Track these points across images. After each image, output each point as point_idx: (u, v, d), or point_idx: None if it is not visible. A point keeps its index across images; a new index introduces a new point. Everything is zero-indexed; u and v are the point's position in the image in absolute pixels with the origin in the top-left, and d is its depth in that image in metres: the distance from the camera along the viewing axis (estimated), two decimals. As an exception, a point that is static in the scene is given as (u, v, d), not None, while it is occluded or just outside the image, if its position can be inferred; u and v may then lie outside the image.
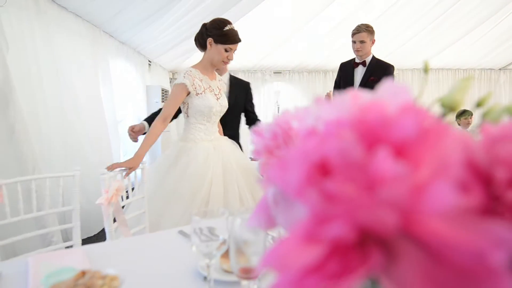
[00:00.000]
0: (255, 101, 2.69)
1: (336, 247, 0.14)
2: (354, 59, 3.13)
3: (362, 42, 2.96)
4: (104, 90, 4.06)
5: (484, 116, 0.30)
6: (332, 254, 0.14)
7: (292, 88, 7.13)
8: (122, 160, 2.17)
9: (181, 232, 1.02)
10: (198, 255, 0.65)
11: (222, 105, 1.98)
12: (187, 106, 1.92)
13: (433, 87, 7.04)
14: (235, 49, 1.96)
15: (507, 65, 6.90)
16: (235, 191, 1.84)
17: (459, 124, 4.03)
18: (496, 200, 0.16)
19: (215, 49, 1.90)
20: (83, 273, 0.50)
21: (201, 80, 1.90)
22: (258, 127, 0.31)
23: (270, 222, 0.30)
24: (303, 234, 0.14)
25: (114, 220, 1.60)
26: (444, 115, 0.30)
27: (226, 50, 1.91)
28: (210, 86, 1.94)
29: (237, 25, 5.32)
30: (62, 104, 3.24)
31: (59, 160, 3.12)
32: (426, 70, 0.34)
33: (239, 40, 1.97)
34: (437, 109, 0.28)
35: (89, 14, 3.80)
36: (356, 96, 0.20)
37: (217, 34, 1.90)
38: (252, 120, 2.66)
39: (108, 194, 1.45)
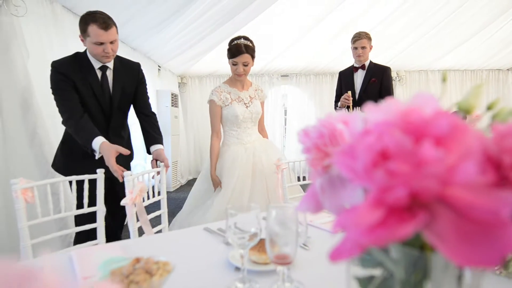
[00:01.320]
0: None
1: (393, 210, 0.20)
2: (352, 65, 3.35)
3: (363, 48, 3.19)
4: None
5: (494, 117, 0.35)
6: (390, 214, 0.20)
7: (299, 91, 7.19)
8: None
9: (207, 229, 1.09)
10: (233, 246, 0.71)
11: (252, 112, 2.24)
12: (221, 118, 2.24)
13: (441, 88, 7.02)
14: (244, 62, 2.12)
15: (516, 65, 6.87)
16: (263, 187, 2.08)
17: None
18: (504, 178, 0.22)
19: (230, 64, 2.19)
20: (138, 260, 0.57)
21: (229, 93, 2.21)
22: (305, 128, 0.37)
23: (317, 206, 0.36)
24: (371, 202, 0.20)
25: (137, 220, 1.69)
26: (462, 117, 0.36)
27: (233, 64, 2.15)
28: (239, 96, 2.23)
29: (244, 30, 5.44)
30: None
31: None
32: (444, 79, 0.40)
33: (240, 53, 2.10)
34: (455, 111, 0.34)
35: (102, 22, 3.90)
36: (396, 103, 0.26)
37: (227, 50, 2.17)
38: (145, 118, 2.21)
39: (133, 195, 1.53)
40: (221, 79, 7.25)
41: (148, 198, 1.80)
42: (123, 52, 4.60)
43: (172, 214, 4.28)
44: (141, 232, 1.68)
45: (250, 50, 2.14)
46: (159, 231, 1.83)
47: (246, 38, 2.18)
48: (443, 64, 6.73)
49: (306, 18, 5.13)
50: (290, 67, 6.91)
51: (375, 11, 4.95)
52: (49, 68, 2.96)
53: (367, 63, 3.26)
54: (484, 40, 5.84)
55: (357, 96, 3.22)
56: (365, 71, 3.24)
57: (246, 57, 2.11)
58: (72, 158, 2.00)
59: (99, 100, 2.01)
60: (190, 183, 6.75)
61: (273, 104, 7.14)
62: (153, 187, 1.86)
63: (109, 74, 2.07)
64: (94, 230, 1.67)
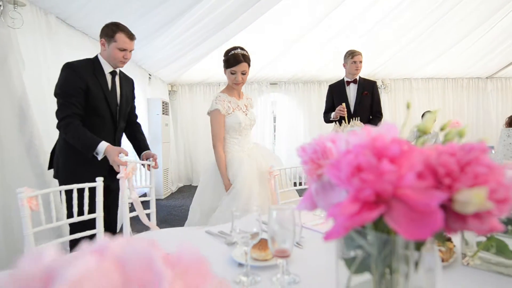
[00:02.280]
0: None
1: (365, 203, 0.31)
2: (342, 79, 3.57)
3: (360, 62, 3.44)
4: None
5: (445, 138, 0.47)
6: (363, 207, 0.31)
7: (288, 98, 7.35)
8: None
9: (208, 232, 1.18)
10: (235, 246, 0.82)
11: (251, 119, 2.32)
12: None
13: (424, 96, 7.30)
14: (242, 71, 2.18)
15: (494, 74, 7.19)
16: (267, 191, 2.17)
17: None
18: (440, 183, 0.34)
19: (227, 74, 2.24)
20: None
21: (229, 102, 2.26)
22: (302, 145, 0.48)
23: (313, 205, 0.47)
24: (350, 199, 0.31)
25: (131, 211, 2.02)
26: (419, 136, 0.47)
27: (231, 73, 2.20)
28: (238, 105, 2.29)
29: (235, 40, 5.55)
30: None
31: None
32: (408, 107, 0.51)
33: (238, 62, 2.16)
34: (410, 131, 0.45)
35: (95, 33, 3.97)
36: (369, 130, 0.37)
37: (224, 61, 2.24)
38: (132, 122, 2.46)
39: (126, 171, 1.90)
40: (211, 87, 7.35)
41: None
42: (115, 61, 4.68)
43: (164, 221, 4.33)
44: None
45: (247, 59, 2.21)
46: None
47: (242, 48, 2.24)
48: (425, 72, 7.00)
49: (294, 29, 5.29)
50: (279, 75, 7.07)
51: (361, 23, 5.16)
52: (43, 78, 3.04)
53: (357, 77, 3.49)
54: (463, 50, 6.12)
55: (352, 108, 3.45)
56: (357, 85, 3.47)
57: (244, 65, 2.18)
58: (77, 163, 2.08)
59: (109, 103, 2.16)
60: (181, 190, 6.79)
61: (263, 111, 7.28)
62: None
63: (117, 80, 2.25)
64: (90, 237, 1.75)
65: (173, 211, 4.97)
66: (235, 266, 0.89)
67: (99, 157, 1.97)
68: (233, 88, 2.29)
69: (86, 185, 1.74)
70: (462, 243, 0.88)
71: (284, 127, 7.33)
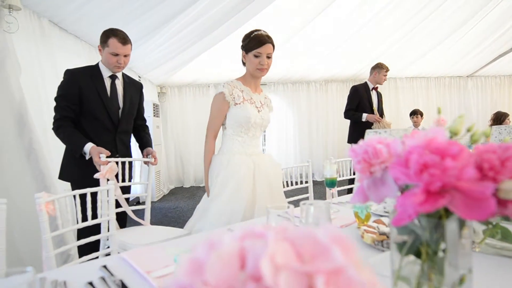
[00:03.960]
0: None
1: (431, 194, 0.38)
2: (365, 83, 4.23)
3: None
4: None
5: (472, 139, 0.55)
6: (430, 196, 0.38)
7: (278, 98, 7.44)
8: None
9: (230, 230, 1.25)
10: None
11: (263, 119, 1.95)
12: (225, 118, 1.89)
13: (409, 94, 7.54)
14: (268, 54, 1.84)
15: (474, 73, 7.50)
16: (267, 202, 1.76)
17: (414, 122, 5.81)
18: (484, 176, 0.41)
19: (248, 59, 1.88)
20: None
21: (241, 91, 1.89)
22: (353, 148, 0.55)
23: (365, 198, 0.54)
24: (420, 190, 0.38)
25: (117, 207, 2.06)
26: (451, 136, 0.55)
27: (255, 56, 1.83)
28: (251, 98, 1.92)
29: (223, 43, 5.59)
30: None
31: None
32: (439, 112, 0.59)
33: (263, 42, 1.82)
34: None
35: (87, 36, 3.96)
36: (422, 133, 0.45)
37: (245, 43, 1.89)
38: (139, 126, 2.53)
39: (103, 171, 1.95)
40: (200, 88, 7.37)
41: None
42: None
43: (160, 223, 4.33)
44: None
45: (272, 40, 1.87)
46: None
47: (264, 31, 1.90)
48: (410, 72, 7.23)
49: (282, 33, 5.38)
50: (268, 76, 7.14)
51: (347, 25, 5.30)
52: (38, 82, 3.01)
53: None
54: (445, 51, 6.36)
55: (376, 111, 4.18)
56: (377, 93, 4.26)
57: (270, 47, 1.84)
58: (76, 163, 2.20)
59: (107, 107, 2.22)
60: (173, 192, 6.78)
61: (253, 112, 7.34)
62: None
63: (118, 84, 2.31)
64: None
65: (168, 213, 4.98)
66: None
67: (87, 157, 2.09)
68: (251, 77, 1.93)
69: (96, 189, 1.77)
70: (470, 231, 0.97)
71: (274, 127, 7.42)
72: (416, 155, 0.40)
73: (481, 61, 7.05)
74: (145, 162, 2.47)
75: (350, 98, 4.27)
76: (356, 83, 7.62)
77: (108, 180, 2.00)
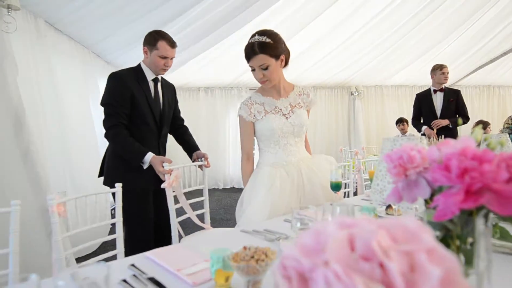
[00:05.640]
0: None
1: (470, 193, 0.45)
2: (429, 89, 4.19)
3: (448, 73, 4.07)
4: (94, 108, 4.16)
5: (488, 145, 0.63)
6: (469, 196, 0.45)
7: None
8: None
9: (244, 231, 1.30)
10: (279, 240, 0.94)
11: (294, 125, 1.79)
12: (255, 134, 1.83)
13: (394, 102, 7.78)
14: (261, 65, 1.67)
15: (455, 82, 7.82)
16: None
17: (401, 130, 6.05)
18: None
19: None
20: (245, 248, 0.77)
21: (262, 104, 1.78)
22: (387, 154, 0.62)
23: (399, 199, 0.61)
24: (461, 190, 0.45)
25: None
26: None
27: (252, 70, 1.73)
28: (276, 107, 1.79)
29: (215, 48, 5.64)
30: (61, 123, 3.35)
31: (60, 179, 3.21)
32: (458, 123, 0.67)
33: (250, 55, 1.67)
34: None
35: (81, 36, 3.94)
36: (455, 143, 0.52)
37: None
38: (179, 126, 2.55)
39: (170, 180, 1.96)
40: (191, 92, 7.38)
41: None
42: (98, 65, 4.63)
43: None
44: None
45: (266, 48, 1.63)
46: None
47: (263, 33, 1.66)
48: (395, 80, 7.48)
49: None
50: (254, 82, 7.23)
51: (337, 33, 5.46)
52: (34, 83, 2.98)
53: (443, 87, 4.11)
54: (429, 61, 6.62)
55: (438, 113, 4.06)
56: (443, 93, 4.08)
57: (261, 58, 1.64)
58: (126, 169, 2.11)
59: (153, 110, 2.19)
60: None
61: (242, 116, 7.40)
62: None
63: (159, 87, 2.28)
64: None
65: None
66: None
67: (145, 167, 2.05)
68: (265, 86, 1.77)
69: (103, 191, 1.79)
70: (490, 228, 1.06)
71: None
72: (456, 161, 0.47)
73: (462, 72, 7.37)
74: (199, 166, 2.42)
75: (413, 106, 4.35)
76: (344, 90, 7.79)
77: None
